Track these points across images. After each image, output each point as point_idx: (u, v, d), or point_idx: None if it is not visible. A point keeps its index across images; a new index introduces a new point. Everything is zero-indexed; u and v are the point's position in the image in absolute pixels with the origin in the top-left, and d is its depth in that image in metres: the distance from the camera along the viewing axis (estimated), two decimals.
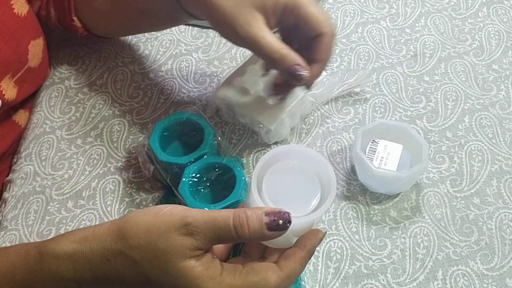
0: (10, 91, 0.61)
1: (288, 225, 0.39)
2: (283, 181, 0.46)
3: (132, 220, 0.40)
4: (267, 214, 0.39)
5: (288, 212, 0.40)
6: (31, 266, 0.42)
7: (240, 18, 0.48)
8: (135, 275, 0.40)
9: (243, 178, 0.54)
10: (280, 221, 0.39)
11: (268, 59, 0.49)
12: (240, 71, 0.62)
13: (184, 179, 0.54)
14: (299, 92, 0.60)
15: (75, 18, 0.67)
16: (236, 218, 0.39)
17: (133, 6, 0.62)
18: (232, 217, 0.39)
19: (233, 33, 0.49)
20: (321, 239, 0.44)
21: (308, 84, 0.51)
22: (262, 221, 0.39)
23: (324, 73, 0.62)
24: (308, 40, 0.51)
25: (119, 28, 0.69)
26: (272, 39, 0.48)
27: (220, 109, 0.65)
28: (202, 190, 0.57)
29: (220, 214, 0.39)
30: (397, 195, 0.58)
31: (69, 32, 0.69)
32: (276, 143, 0.64)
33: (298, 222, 0.42)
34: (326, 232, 0.44)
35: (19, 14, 0.61)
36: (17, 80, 0.62)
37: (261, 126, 0.59)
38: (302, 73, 0.48)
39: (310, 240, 0.44)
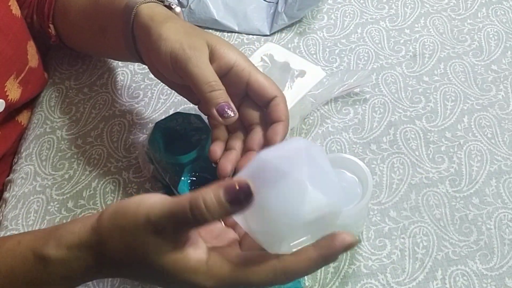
0: (14, 92, 0.62)
1: (250, 199, 0.35)
2: None
3: (106, 225, 0.38)
4: (226, 192, 0.35)
5: (246, 183, 0.35)
6: (33, 272, 0.41)
7: (188, 40, 0.48)
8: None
9: None
10: (241, 195, 0.35)
11: (199, 89, 0.48)
12: None
13: (183, 179, 0.54)
14: (299, 92, 0.60)
15: (51, 26, 0.67)
16: (193, 206, 0.35)
17: (97, 20, 0.61)
18: (188, 206, 0.35)
19: (177, 54, 0.48)
20: (347, 247, 0.36)
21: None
22: (222, 204, 0.35)
23: (323, 73, 0.62)
24: (261, 105, 0.50)
25: (85, 43, 0.68)
26: (210, 71, 0.48)
27: None
28: None
29: (176, 204, 0.36)
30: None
31: (48, 39, 0.69)
32: None
33: (350, 214, 0.39)
34: (358, 239, 0.36)
35: (17, 15, 0.61)
36: (21, 81, 0.63)
37: None
38: (229, 112, 0.47)
39: (331, 243, 0.36)
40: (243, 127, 0.52)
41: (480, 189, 0.58)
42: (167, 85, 0.55)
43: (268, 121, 0.49)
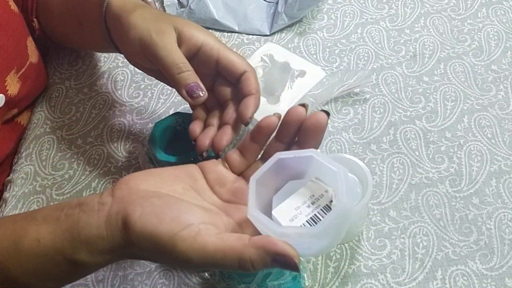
0: (14, 87, 0.62)
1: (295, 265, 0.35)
2: None
3: (138, 245, 0.38)
4: (274, 261, 0.36)
5: (293, 259, 0.35)
6: (67, 272, 0.41)
7: (156, 26, 0.50)
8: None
9: None
10: (287, 266, 0.36)
11: (168, 72, 0.49)
12: None
13: None
14: (300, 92, 0.60)
15: (34, 19, 0.68)
16: (242, 265, 0.36)
17: (75, 13, 0.62)
18: (237, 263, 0.36)
19: (145, 40, 0.50)
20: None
21: (249, 118, 0.50)
22: (268, 265, 0.36)
23: (323, 73, 0.63)
24: (233, 81, 0.52)
25: (66, 36, 0.69)
26: (178, 54, 0.49)
27: None
28: None
29: (223, 256, 0.36)
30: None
31: (32, 32, 0.70)
32: None
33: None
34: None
35: (15, 11, 0.62)
36: (21, 76, 0.63)
37: None
38: (198, 92, 0.49)
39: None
40: (219, 104, 0.53)
41: (480, 189, 0.58)
42: (146, 73, 0.57)
43: (240, 96, 0.51)
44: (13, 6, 0.62)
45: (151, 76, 0.57)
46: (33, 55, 0.66)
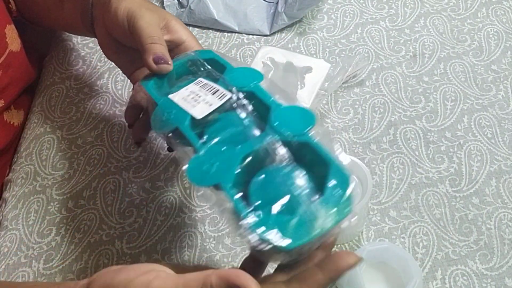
0: None
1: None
2: None
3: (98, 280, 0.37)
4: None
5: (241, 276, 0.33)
6: None
7: (147, 5, 0.53)
8: None
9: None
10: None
11: (141, 40, 0.51)
12: None
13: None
14: (314, 88, 0.60)
15: (11, 0, 0.68)
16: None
17: None
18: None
19: (133, 11, 0.52)
20: (351, 266, 0.36)
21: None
22: None
23: (328, 65, 0.62)
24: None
25: (43, 15, 0.69)
26: (157, 30, 0.51)
27: None
28: None
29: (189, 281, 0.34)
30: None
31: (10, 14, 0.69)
32: None
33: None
34: (361, 258, 0.36)
35: None
36: (1, 65, 0.62)
37: None
38: (164, 60, 0.50)
39: (337, 264, 0.36)
40: None
41: (480, 189, 0.58)
42: (111, 59, 0.59)
43: None
44: None
45: (119, 67, 0.59)
46: (13, 43, 0.65)
